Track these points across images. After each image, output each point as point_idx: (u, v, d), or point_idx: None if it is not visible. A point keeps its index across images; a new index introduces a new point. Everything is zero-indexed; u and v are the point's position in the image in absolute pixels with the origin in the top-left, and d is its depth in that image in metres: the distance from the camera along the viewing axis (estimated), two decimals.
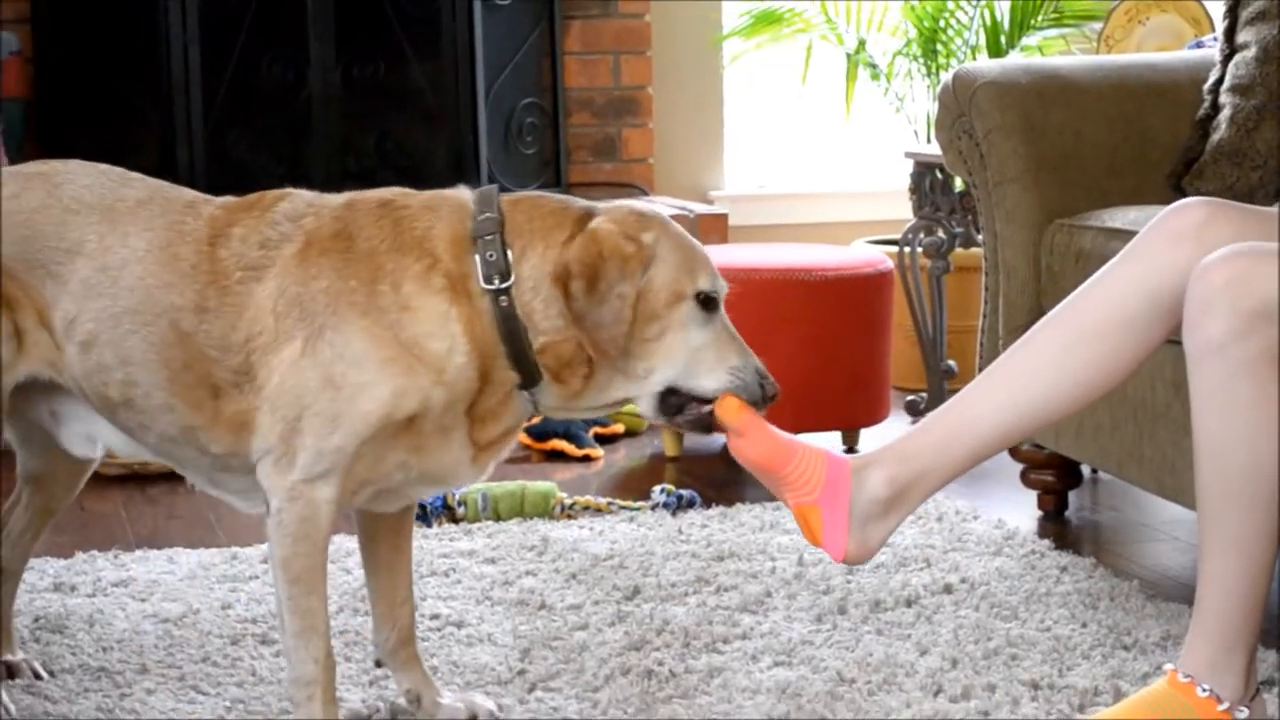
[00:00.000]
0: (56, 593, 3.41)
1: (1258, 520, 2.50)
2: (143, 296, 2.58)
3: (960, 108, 3.93)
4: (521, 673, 2.93)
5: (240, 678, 2.93)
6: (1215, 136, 3.92)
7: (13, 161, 5.12)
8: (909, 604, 3.26)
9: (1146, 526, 3.89)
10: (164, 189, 2.70)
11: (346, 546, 3.61)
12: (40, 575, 3.49)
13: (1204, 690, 2.55)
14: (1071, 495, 4.08)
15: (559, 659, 3.00)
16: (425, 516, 3.93)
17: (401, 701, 2.79)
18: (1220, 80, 3.99)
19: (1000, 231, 3.88)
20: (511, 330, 2.49)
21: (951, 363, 5.24)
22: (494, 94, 5.69)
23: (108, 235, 2.62)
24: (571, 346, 2.49)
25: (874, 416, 4.70)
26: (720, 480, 4.39)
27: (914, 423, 5.05)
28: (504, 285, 2.48)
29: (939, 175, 5.20)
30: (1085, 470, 4.20)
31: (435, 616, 3.22)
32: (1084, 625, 3.12)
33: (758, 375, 2.53)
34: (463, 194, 2.59)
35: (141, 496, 4.29)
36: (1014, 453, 4.08)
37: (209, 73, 5.49)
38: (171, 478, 4.44)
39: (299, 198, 2.62)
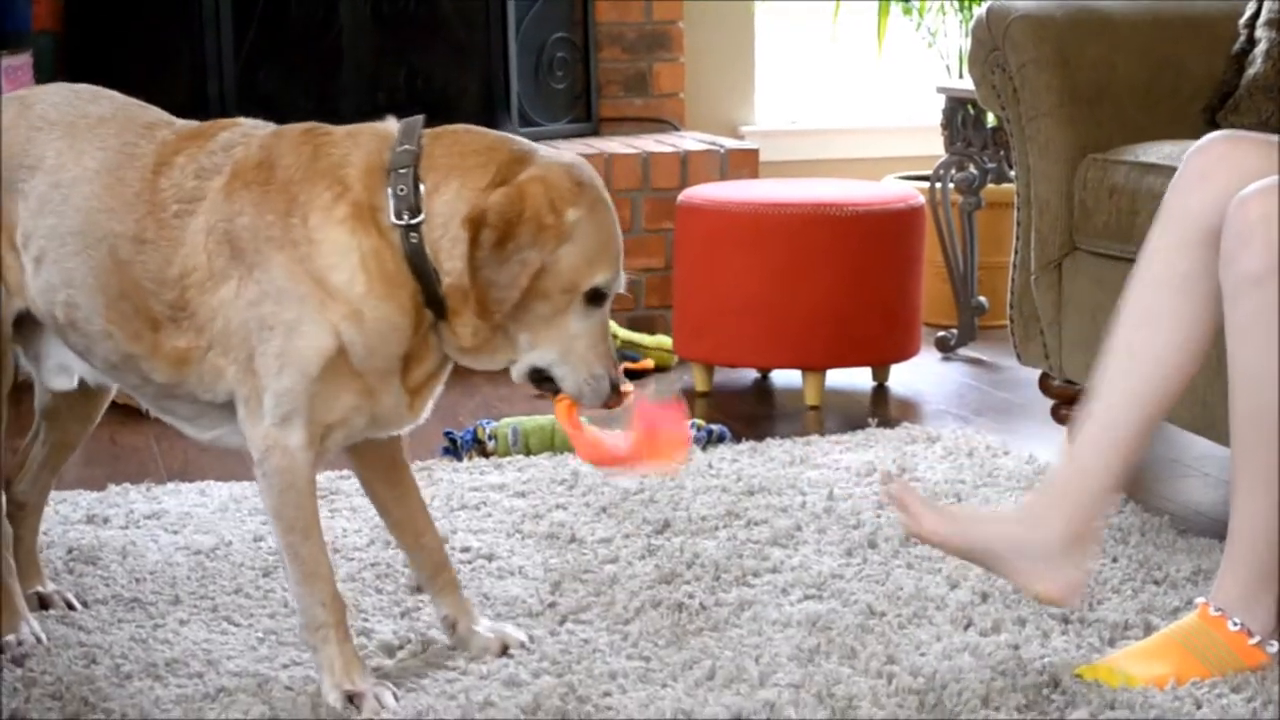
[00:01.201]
0: (89, 525, 3.43)
1: None
2: (86, 218, 2.57)
3: (994, 41, 3.91)
4: (552, 605, 2.94)
5: (272, 609, 2.95)
6: (1251, 71, 3.89)
7: None
8: None
9: (1177, 462, 3.88)
10: (129, 107, 2.68)
11: None
12: (73, 507, 3.51)
13: (1235, 624, 2.54)
14: None
15: (589, 592, 3.00)
16: (456, 450, 3.94)
17: (434, 632, 2.80)
18: (1256, 14, 3.96)
19: (1033, 166, 3.86)
20: (420, 267, 2.45)
21: (982, 299, 5.23)
22: (524, 28, 5.67)
23: (65, 152, 2.61)
24: (462, 292, 2.44)
25: (905, 352, 4.70)
26: (750, 415, 4.39)
27: (944, 359, 5.06)
28: (413, 221, 2.44)
29: (971, 110, 5.18)
30: None
31: (466, 549, 3.23)
32: (1114, 560, 3.11)
33: (608, 388, 2.51)
34: (389, 125, 2.54)
35: (173, 430, 4.29)
36: (1045, 389, 4.07)
37: (240, 7, 5.47)
38: None
39: (240, 127, 2.58)
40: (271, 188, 2.48)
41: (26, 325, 2.70)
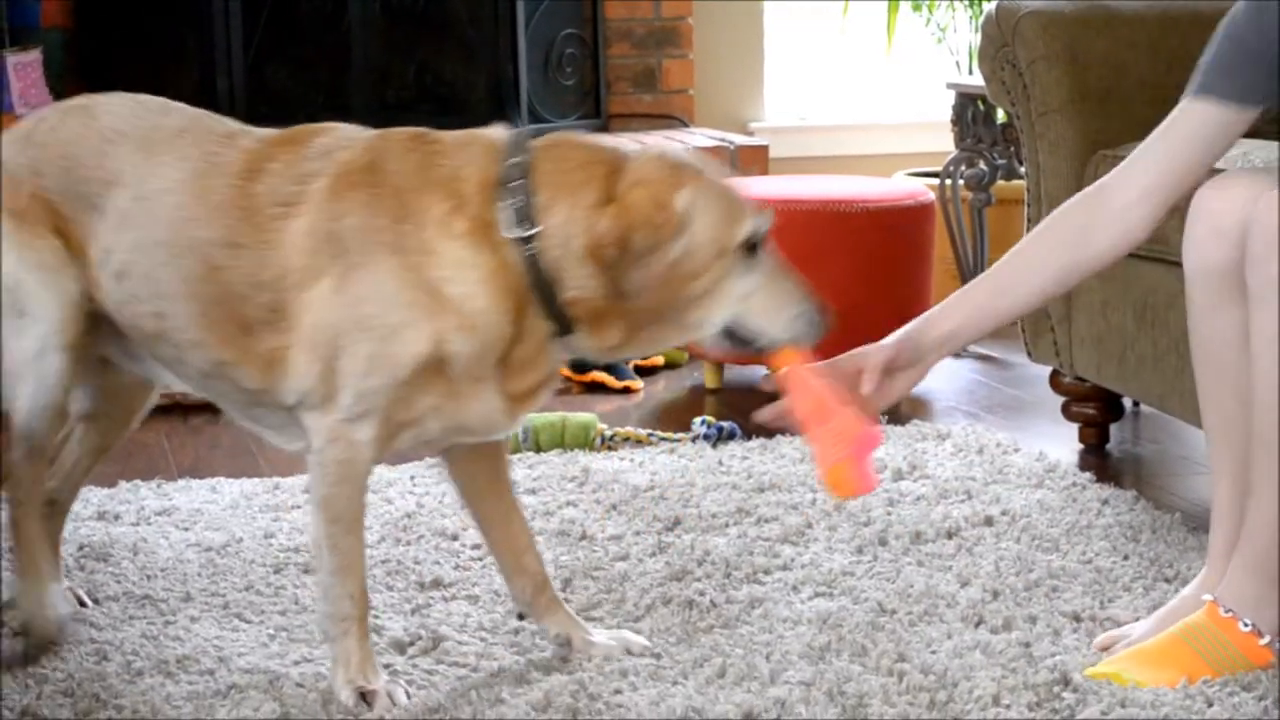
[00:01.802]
0: (100, 521, 3.43)
1: None
2: (174, 228, 2.57)
3: (1004, 37, 3.90)
4: (564, 602, 2.93)
5: (283, 605, 2.95)
6: None
7: (53, 91, 5.13)
8: (950, 536, 3.26)
9: (1188, 459, 3.88)
10: (204, 119, 2.68)
11: (388, 477, 3.63)
12: (84, 504, 3.51)
13: (1246, 625, 2.54)
14: (1113, 428, 4.07)
15: (600, 589, 3.01)
16: None
17: (445, 629, 2.80)
18: None
19: (1043, 163, 3.86)
20: (538, 280, 2.45)
21: None
22: (534, 24, 5.67)
23: (142, 165, 2.61)
24: (604, 303, 2.45)
25: None
26: None
27: (954, 355, 5.05)
28: (529, 234, 2.44)
29: (981, 106, 5.18)
30: (1127, 403, 4.18)
31: (477, 546, 3.23)
32: (1125, 558, 3.11)
33: (815, 316, 2.51)
34: (495, 134, 2.54)
35: (184, 427, 4.31)
36: (1055, 386, 4.07)
37: (249, 3, 5.48)
38: (214, 408, 4.45)
39: (337, 132, 2.59)
40: (382, 191, 2.48)
41: (101, 326, 2.71)
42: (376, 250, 2.45)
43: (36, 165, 2.67)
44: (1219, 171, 2.72)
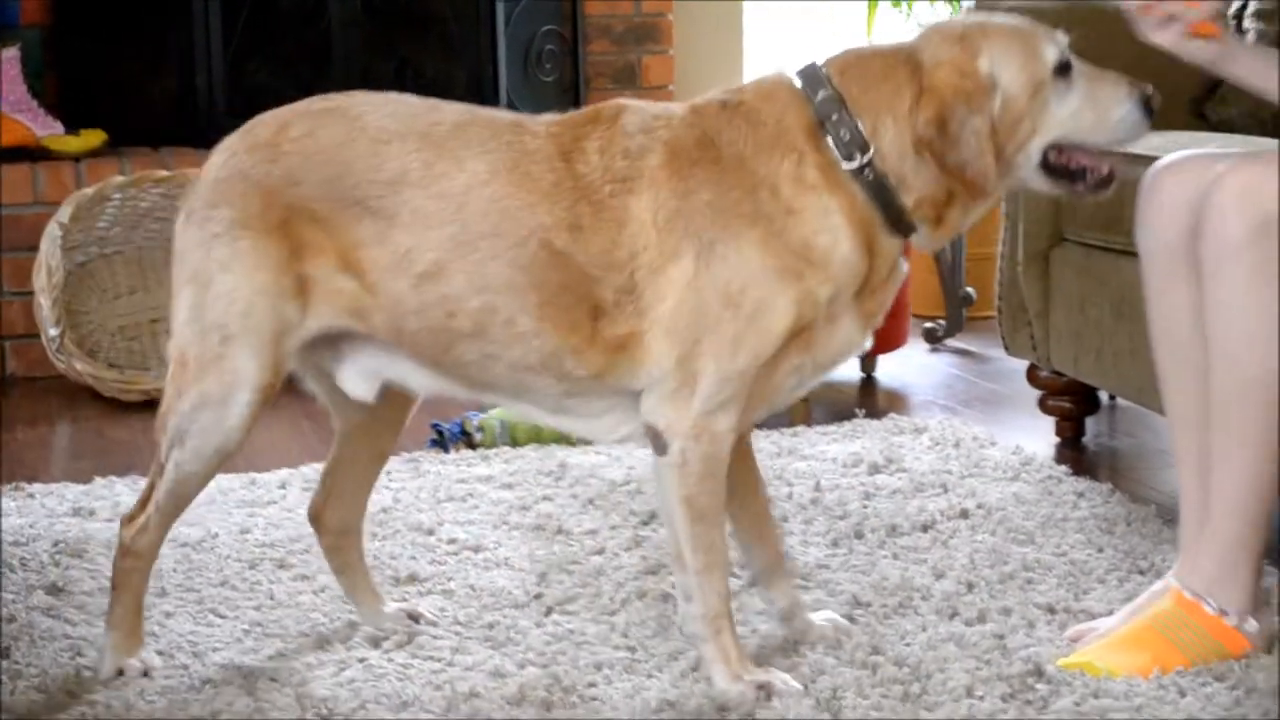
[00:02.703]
0: (76, 517, 3.43)
1: (1273, 423, 2.50)
2: (500, 219, 2.49)
3: None
4: (538, 596, 2.94)
5: (258, 601, 2.95)
6: None
7: (31, 89, 5.12)
8: (925, 529, 3.26)
9: (1163, 452, 3.88)
10: (477, 111, 2.61)
11: None
12: (60, 500, 3.51)
13: (1211, 607, 2.55)
14: (1089, 421, 4.08)
15: (576, 583, 3.01)
16: (443, 442, 3.94)
17: (418, 624, 2.80)
18: (1244, 6, 3.96)
19: None
20: (884, 198, 2.48)
21: (970, 290, 5.23)
22: (513, 21, 5.66)
23: (437, 161, 2.52)
24: (944, 192, 2.49)
25: (892, 343, 4.70)
26: None
27: (931, 349, 5.07)
28: (865, 159, 2.47)
29: None
30: (1103, 397, 4.19)
31: (453, 541, 3.23)
32: (1100, 550, 3.12)
33: (1140, 110, 2.54)
34: (785, 78, 2.54)
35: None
36: (1032, 379, 4.08)
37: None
38: None
39: (637, 108, 2.55)
40: (724, 164, 2.47)
41: (321, 344, 2.60)
42: (736, 223, 2.45)
43: (294, 174, 2.54)
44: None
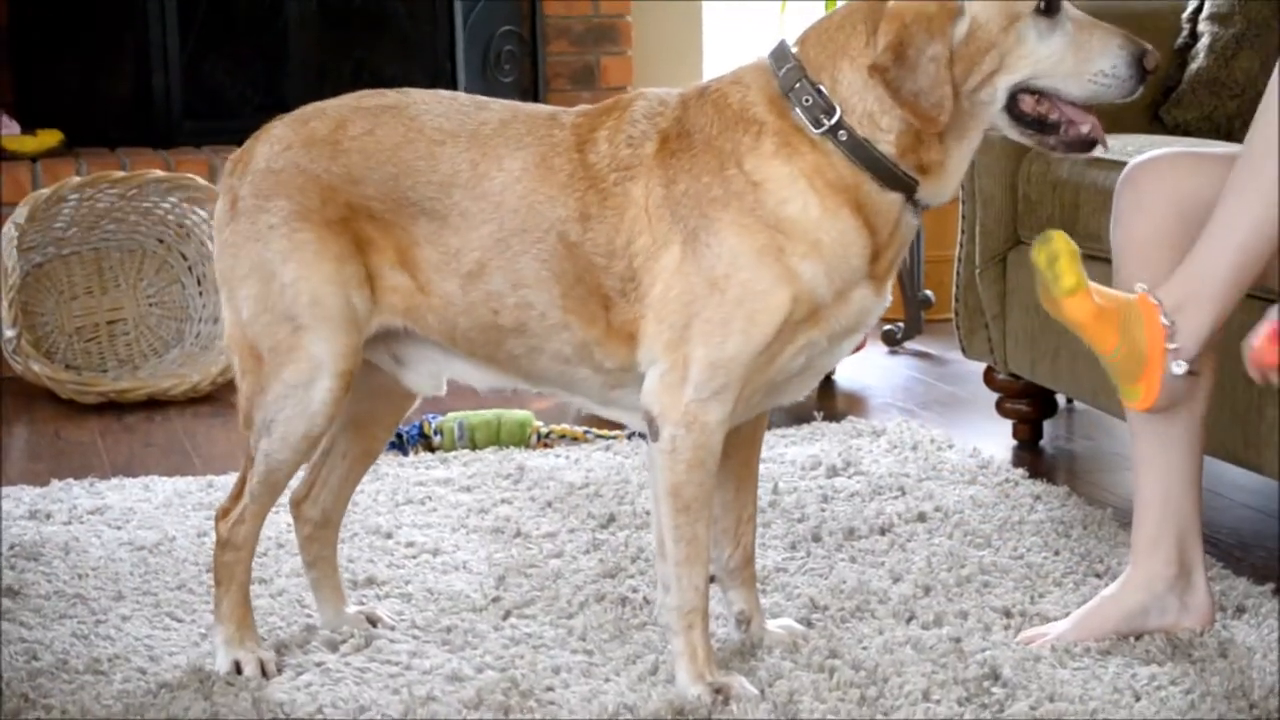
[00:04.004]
0: (32, 520, 3.41)
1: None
2: (528, 215, 2.51)
3: None
4: (496, 600, 2.94)
5: None
6: (1194, 65, 3.92)
7: None
8: (883, 532, 3.27)
9: (1120, 455, 3.90)
10: (521, 107, 2.63)
11: None
12: (16, 503, 3.50)
13: (1165, 321, 2.55)
14: (1046, 425, 4.09)
15: (534, 586, 3.01)
16: (402, 445, 3.93)
17: (376, 629, 2.79)
18: (1199, 9, 3.98)
19: (977, 160, 3.87)
20: (866, 155, 2.45)
21: (929, 293, 5.25)
22: (472, 21, 5.66)
23: (481, 162, 2.54)
24: (909, 129, 2.44)
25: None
26: None
27: (890, 352, 5.09)
28: (833, 121, 2.44)
29: None
30: (1060, 400, 4.21)
31: (411, 544, 3.23)
32: (1056, 553, 3.13)
33: (1131, 69, 2.45)
34: (760, 60, 2.54)
35: (118, 425, 4.29)
36: (990, 382, 4.09)
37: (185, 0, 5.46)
38: (149, 406, 4.46)
39: (651, 96, 2.57)
40: (696, 150, 2.47)
41: (376, 340, 2.63)
42: (711, 209, 2.45)
43: (354, 173, 2.56)
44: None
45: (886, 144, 2.45)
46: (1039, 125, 2.47)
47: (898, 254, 2.54)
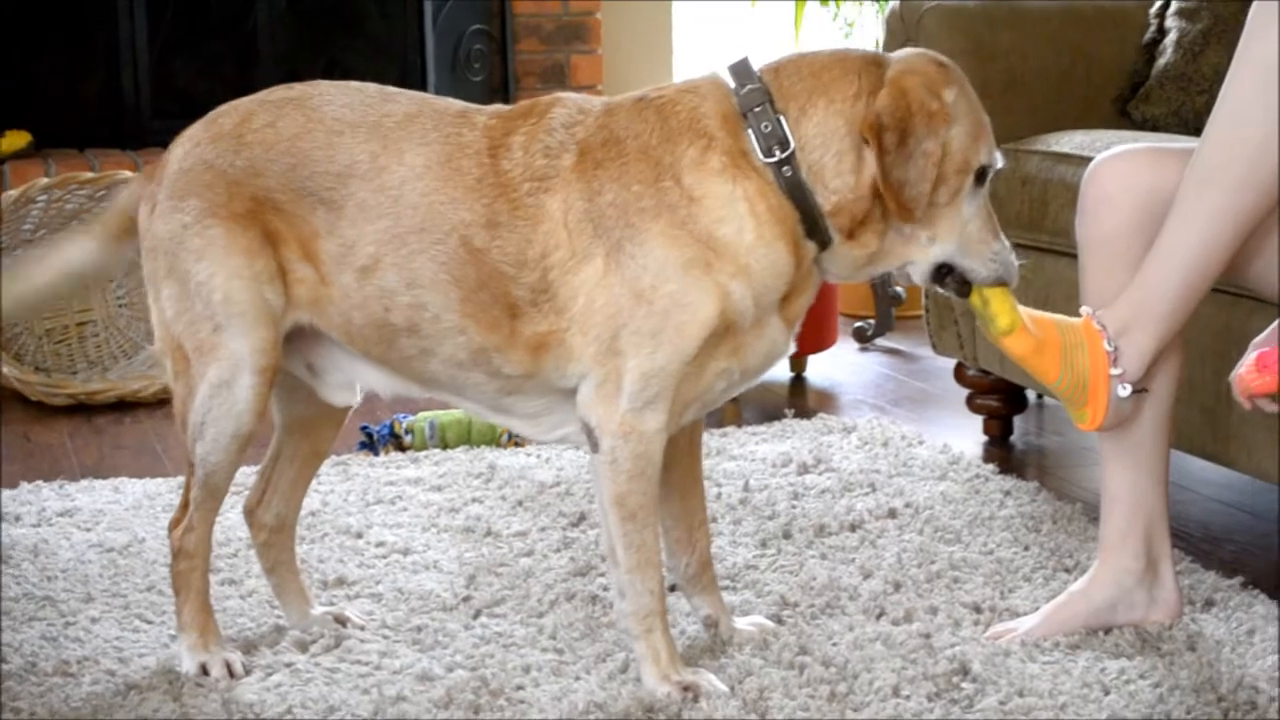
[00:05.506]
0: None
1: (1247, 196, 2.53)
2: (428, 214, 2.49)
3: (907, 32, 3.93)
4: (467, 599, 2.94)
5: None
6: (1161, 61, 3.93)
7: None
8: (853, 528, 3.28)
9: (1090, 450, 3.91)
10: (430, 101, 2.60)
11: None
12: None
13: (1109, 346, 2.57)
14: (1016, 420, 4.10)
15: (504, 585, 3.00)
16: (372, 445, 3.93)
17: (345, 629, 2.79)
18: (1166, 4, 3.99)
19: None
20: (801, 198, 2.44)
21: (899, 289, 5.25)
22: (441, 20, 5.66)
23: (381, 154, 2.52)
24: (865, 205, 2.44)
25: (822, 344, 4.71)
26: None
27: (861, 349, 5.09)
28: (784, 155, 2.43)
29: None
30: (1030, 395, 4.22)
31: (381, 544, 3.22)
32: (1026, 548, 3.14)
33: (1012, 259, 2.52)
34: (716, 73, 2.52)
35: (88, 426, 4.28)
36: (960, 379, 4.10)
37: None
38: (118, 408, 4.45)
39: (570, 102, 2.53)
40: (628, 160, 2.44)
41: (293, 342, 2.61)
42: (639, 219, 2.42)
43: (256, 165, 2.54)
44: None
45: (824, 199, 2.45)
46: (949, 276, 2.52)
47: (806, 303, 2.54)
